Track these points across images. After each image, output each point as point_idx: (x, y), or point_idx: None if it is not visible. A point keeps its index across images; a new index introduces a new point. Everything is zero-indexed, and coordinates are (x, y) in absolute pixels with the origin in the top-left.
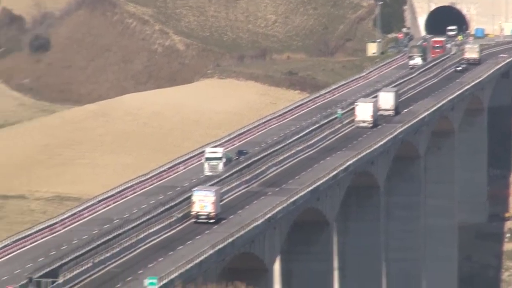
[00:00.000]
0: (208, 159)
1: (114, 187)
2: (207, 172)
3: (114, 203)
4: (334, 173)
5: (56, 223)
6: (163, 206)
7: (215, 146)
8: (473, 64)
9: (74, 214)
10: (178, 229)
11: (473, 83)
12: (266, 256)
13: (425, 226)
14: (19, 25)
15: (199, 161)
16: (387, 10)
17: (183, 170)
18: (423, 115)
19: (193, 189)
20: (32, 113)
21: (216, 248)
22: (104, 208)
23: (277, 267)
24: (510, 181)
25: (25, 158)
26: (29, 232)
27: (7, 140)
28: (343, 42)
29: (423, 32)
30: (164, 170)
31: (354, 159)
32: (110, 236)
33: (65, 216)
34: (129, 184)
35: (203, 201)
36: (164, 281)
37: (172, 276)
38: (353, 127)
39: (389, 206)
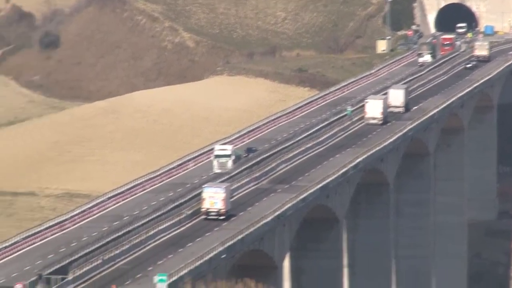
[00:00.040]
0: (217, 156)
1: (123, 184)
2: (216, 170)
3: (123, 200)
4: (344, 170)
5: (65, 220)
6: (173, 203)
7: (225, 144)
8: (482, 61)
9: (84, 211)
10: (187, 226)
11: (482, 80)
12: (275, 253)
13: (434, 224)
14: (29, 22)
15: (208, 158)
16: (396, 7)
17: (193, 167)
18: (432, 112)
19: (203, 186)
20: (42, 110)
21: (226, 245)
22: (114, 205)
23: (286, 264)
24: None
25: (35, 155)
26: (39, 229)
27: (17, 137)
28: (352, 39)
29: (432, 30)
30: (174, 167)
31: (364, 156)
32: (120, 233)
33: (75, 213)
34: (139, 181)
35: (213, 198)
36: (174, 278)
37: (182, 273)
38: (362, 124)
39: (398, 203)
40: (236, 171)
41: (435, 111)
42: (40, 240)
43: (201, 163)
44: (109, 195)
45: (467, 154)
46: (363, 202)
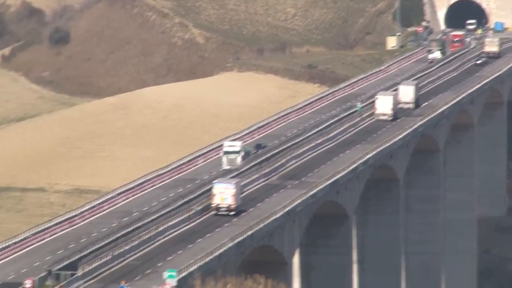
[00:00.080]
0: (226, 152)
1: (133, 180)
2: (225, 166)
3: (133, 196)
4: (354, 166)
5: (75, 215)
6: (183, 199)
7: (234, 140)
8: (492, 57)
9: (94, 207)
10: (197, 221)
11: (492, 77)
12: (285, 249)
13: (444, 220)
14: (39, 18)
15: (218, 154)
16: (406, 3)
17: (203, 163)
18: (442, 109)
19: (213, 182)
20: (51, 106)
21: (236, 241)
22: (124, 201)
23: (296, 260)
24: None
25: (45, 151)
26: (49, 225)
27: (26, 133)
28: (362, 36)
29: (442, 26)
30: (184, 163)
31: (374, 152)
32: (130, 229)
33: (85, 208)
34: (149, 177)
35: (224, 194)
36: (183, 274)
37: (191, 269)
38: (372, 120)
39: (408, 200)
40: (246, 167)
41: (445, 107)
42: (50, 236)
43: (210, 159)
44: (119, 191)
45: (477, 150)
46: (373, 198)
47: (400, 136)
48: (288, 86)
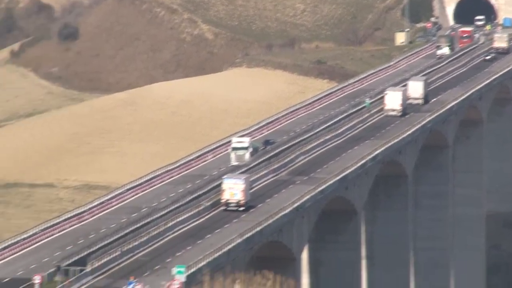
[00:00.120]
0: (234, 148)
1: (142, 175)
2: (234, 162)
3: (142, 191)
4: (362, 162)
5: (84, 211)
6: (192, 194)
7: (242, 136)
8: (501, 53)
9: (103, 202)
10: (206, 217)
11: (501, 72)
12: (294, 245)
13: (453, 216)
14: (48, 14)
15: (227, 150)
16: None
17: (211, 159)
18: (451, 105)
19: (223, 177)
20: (60, 102)
21: (244, 237)
22: (133, 196)
23: (305, 256)
24: None
25: (54, 147)
26: (57, 221)
27: (35, 128)
28: (371, 31)
29: (451, 22)
30: (192, 159)
31: (382, 148)
32: (139, 225)
33: (94, 204)
34: (157, 173)
35: (233, 189)
36: (192, 270)
37: (200, 265)
38: (381, 116)
39: (417, 195)
40: (255, 163)
41: (454, 103)
42: (59, 232)
43: (219, 155)
44: (128, 187)
45: (486, 146)
46: (381, 194)
47: (409, 132)
48: (297, 81)
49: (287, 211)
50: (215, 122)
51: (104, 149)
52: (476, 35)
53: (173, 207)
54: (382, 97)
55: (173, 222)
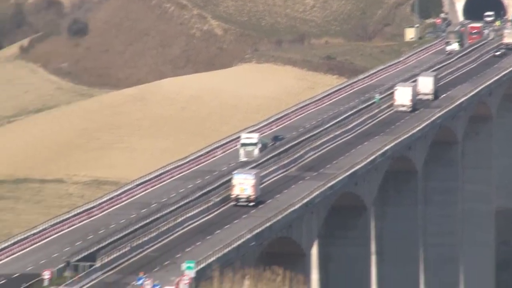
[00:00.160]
0: (243, 144)
1: (152, 171)
2: (242, 158)
3: (152, 187)
4: (372, 158)
5: (93, 207)
6: (201, 190)
7: (251, 132)
8: (511, 49)
9: (112, 198)
10: (216, 213)
11: (511, 68)
12: (303, 240)
13: (462, 211)
14: (58, 10)
15: (236, 145)
16: None
17: (221, 155)
18: (461, 100)
19: (233, 172)
20: (70, 97)
21: (254, 232)
22: (142, 192)
23: (314, 251)
24: None
25: (63, 142)
26: (67, 216)
27: (45, 124)
28: (381, 27)
29: (461, 18)
30: (202, 155)
31: (392, 144)
32: (148, 220)
33: (103, 200)
34: (167, 168)
35: (243, 184)
36: (202, 265)
37: (210, 260)
38: (391, 112)
39: (426, 191)
40: (264, 159)
41: (463, 99)
42: (68, 227)
43: (229, 151)
44: (137, 182)
45: (495, 142)
46: (391, 189)
47: (419, 128)
48: (307, 77)
49: (296, 206)
50: (224, 117)
51: (114, 145)
52: (486, 31)
53: (182, 202)
54: (392, 93)
55: (182, 218)
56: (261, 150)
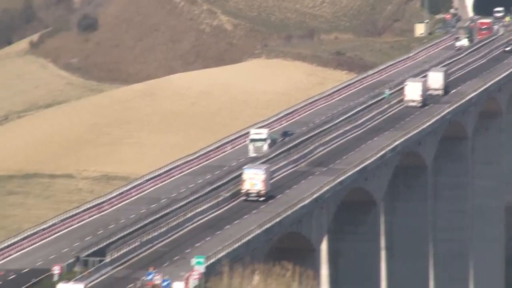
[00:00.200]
0: (252, 140)
1: (161, 166)
2: (252, 154)
3: (161, 182)
4: (382, 153)
5: (103, 202)
6: (211, 185)
7: (261, 127)
8: None
9: (122, 193)
10: (225, 208)
11: None
12: (313, 236)
13: (472, 207)
14: (67, 5)
15: (246, 141)
16: None
17: (231, 150)
18: (470, 96)
19: (243, 167)
20: (80, 93)
21: (264, 228)
22: (152, 187)
23: (324, 247)
24: None
25: (73, 138)
26: (77, 211)
27: (55, 119)
28: (391, 23)
29: (470, 13)
30: (212, 150)
31: (402, 139)
32: (158, 216)
33: (113, 195)
34: (177, 164)
35: (253, 179)
36: (212, 260)
37: (220, 256)
38: (400, 107)
39: (436, 187)
40: (274, 154)
41: (473, 94)
42: (78, 222)
43: (238, 146)
44: (147, 178)
45: (505, 137)
46: (401, 185)
47: (428, 123)
48: (316, 73)
49: (306, 202)
50: (234, 113)
51: (123, 140)
52: (495, 27)
53: (192, 198)
54: (402, 88)
55: (192, 213)
56: (270, 145)
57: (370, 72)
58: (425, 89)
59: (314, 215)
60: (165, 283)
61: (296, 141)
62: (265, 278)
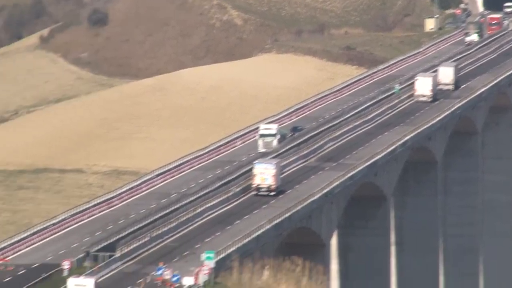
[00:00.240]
0: (262, 135)
1: (171, 161)
2: (261, 149)
3: (171, 177)
4: (392, 148)
5: (113, 197)
6: (221, 180)
7: (271, 122)
8: None
9: (132, 188)
10: (235, 203)
11: None
12: (323, 231)
13: (482, 202)
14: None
15: (255, 136)
16: None
17: (241, 145)
18: (481, 91)
19: (254, 162)
20: (90, 87)
21: (273, 223)
22: (162, 182)
23: (334, 242)
24: None
25: (83, 132)
26: (87, 206)
27: (65, 114)
28: (401, 18)
29: (480, 8)
30: (222, 145)
31: (412, 134)
32: (168, 211)
33: (123, 190)
34: (187, 159)
35: (264, 174)
36: (221, 256)
37: (229, 251)
38: (410, 102)
39: (446, 182)
40: (284, 149)
41: (483, 89)
42: (88, 217)
43: (249, 141)
44: (157, 173)
45: None
46: (411, 180)
47: (438, 118)
48: (326, 68)
49: (316, 197)
50: (244, 108)
51: (133, 135)
52: (505, 22)
53: (202, 193)
54: (412, 83)
55: (202, 208)
56: (279, 141)
57: (380, 67)
58: (436, 84)
59: (324, 210)
60: (175, 278)
61: (306, 136)
62: (275, 273)
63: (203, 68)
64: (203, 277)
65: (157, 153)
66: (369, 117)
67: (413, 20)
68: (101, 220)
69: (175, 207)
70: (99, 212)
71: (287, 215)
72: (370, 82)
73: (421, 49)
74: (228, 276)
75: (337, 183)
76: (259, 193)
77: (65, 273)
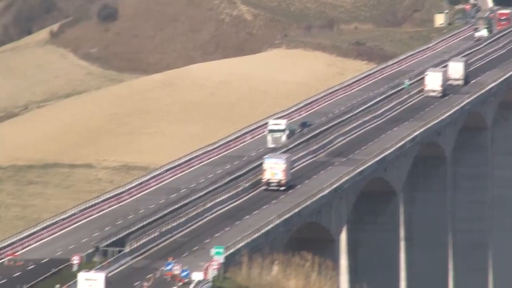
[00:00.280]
0: (271, 131)
1: (181, 156)
2: (270, 144)
3: (181, 172)
4: (401, 143)
5: (123, 192)
6: (230, 175)
7: (280, 117)
8: None
9: (141, 183)
10: (244, 198)
11: None
12: (332, 226)
13: (492, 197)
14: None
15: (265, 131)
16: None
17: (250, 140)
18: (490, 86)
19: (264, 157)
20: (99, 82)
21: (283, 218)
22: (171, 177)
23: (343, 237)
24: None
25: (93, 127)
26: (96, 201)
27: (75, 109)
28: (411, 13)
29: (490, 4)
30: (231, 140)
31: (421, 130)
32: (177, 206)
33: (132, 185)
34: (196, 154)
35: (274, 169)
36: (231, 251)
37: (239, 246)
38: (420, 97)
39: (456, 177)
40: (293, 145)
41: (492, 84)
42: (98, 212)
43: (258, 136)
44: (166, 168)
45: None
46: (420, 175)
47: (448, 114)
48: (336, 63)
49: (325, 192)
50: (254, 103)
51: (143, 130)
52: None
53: (211, 188)
54: (422, 78)
55: (211, 203)
56: (288, 136)
57: (390, 62)
58: (445, 79)
59: (334, 206)
60: (184, 273)
61: (316, 131)
62: (284, 268)
63: (213, 63)
64: (212, 272)
65: (166, 148)
66: (378, 112)
67: (422, 16)
68: (110, 215)
69: (185, 202)
70: (109, 207)
71: (296, 210)
72: (380, 77)
73: (430, 45)
74: (238, 271)
75: (346, 178)
76: (269, 188)
77: (75, 268)
